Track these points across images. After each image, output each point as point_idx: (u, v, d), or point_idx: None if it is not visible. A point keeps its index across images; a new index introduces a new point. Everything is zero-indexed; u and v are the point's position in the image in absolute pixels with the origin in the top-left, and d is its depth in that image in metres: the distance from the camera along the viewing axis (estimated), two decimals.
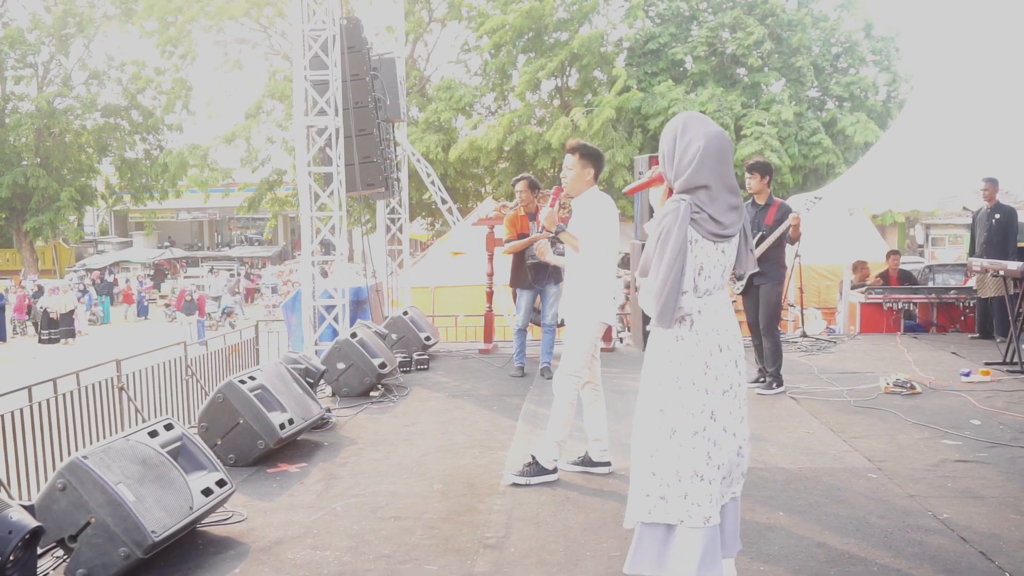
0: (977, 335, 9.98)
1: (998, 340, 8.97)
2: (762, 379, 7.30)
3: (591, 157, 4.87)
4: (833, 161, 22.30)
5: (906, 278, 11.97)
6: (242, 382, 5.41)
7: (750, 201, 7.28)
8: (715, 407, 3.08)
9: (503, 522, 4.21)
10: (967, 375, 7.48)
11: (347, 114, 9.36)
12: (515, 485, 4.75)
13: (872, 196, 12.10)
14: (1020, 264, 7.94)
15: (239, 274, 38.50)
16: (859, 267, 12.29)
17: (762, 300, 7.17)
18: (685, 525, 3.04)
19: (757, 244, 7.06)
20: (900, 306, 10.84)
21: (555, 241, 7.54)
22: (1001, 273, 8.12)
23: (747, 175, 7.31)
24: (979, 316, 10.11)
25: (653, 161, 9.60)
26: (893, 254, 12.43)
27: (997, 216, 9.30)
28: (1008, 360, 8.04)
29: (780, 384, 7.18)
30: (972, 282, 10.20)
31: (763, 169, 7.31)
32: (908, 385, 6.99)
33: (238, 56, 28.51)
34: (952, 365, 8.16)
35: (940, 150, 10.39)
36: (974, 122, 10.32)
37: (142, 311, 32.03)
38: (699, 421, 3.06)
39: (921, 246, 31.54)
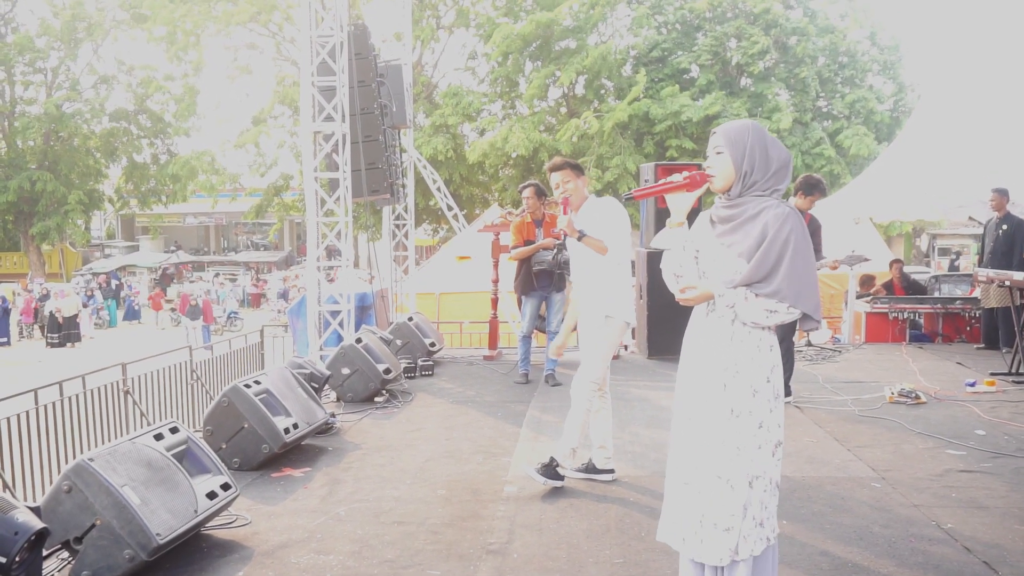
0: (983, 345, 9.95)
1: (1003, 351, 8.95)
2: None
3: (578, 168, 5.02)
4: (838, 171, 22.33)
5: (913, 287, 11.95)
6: (247, 386, 5.43)
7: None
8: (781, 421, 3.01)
9: (506, 528, 4.22)
10: (972, 385, 7.46)
11: (354, 120, 9.39)
12: (529, 477, 4.79)
13: (878, 206, 12.11)
14: None
15: (244, 279, 38.60)
16: (866, 281, 12.27)
17: None
18: (772, 543, 2.96)
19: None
20: (906, 316, 10.83)
21: (561, 248, 7.58)
22: (1007, 283, 8.11)
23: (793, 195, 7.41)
24: (984, 326, 10.09)
25: (660, 170, 9.60)
26: (896, 263, 12.41)
27: (1004, 227, 9.29)
28: (1013, 371, 8.02)
29: (787, 394, 7.17)
30: (978, 292, 10.18)
31: (816, 187, 7.34)
32: (913, 395, 6.98)
33: (247, 62, 28.66)
34: (957, 375, 8.14)
35: (947, 160, 10.41)
36: (981, 132, 10.32)
37: (132, 315, 31.98)
38: (777, 441, 2.95)
39: (927, 256, 31.50)
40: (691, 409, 2.99)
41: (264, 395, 5.47)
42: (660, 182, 3.18)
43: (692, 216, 3.05)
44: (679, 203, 3.06)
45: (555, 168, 4.98)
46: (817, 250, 7.22)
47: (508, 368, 8.93)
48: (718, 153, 2.96)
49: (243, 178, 30.08)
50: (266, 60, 29.40)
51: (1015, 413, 6.56)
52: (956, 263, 29.58)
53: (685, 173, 3.08)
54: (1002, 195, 9.34)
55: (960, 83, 12.02)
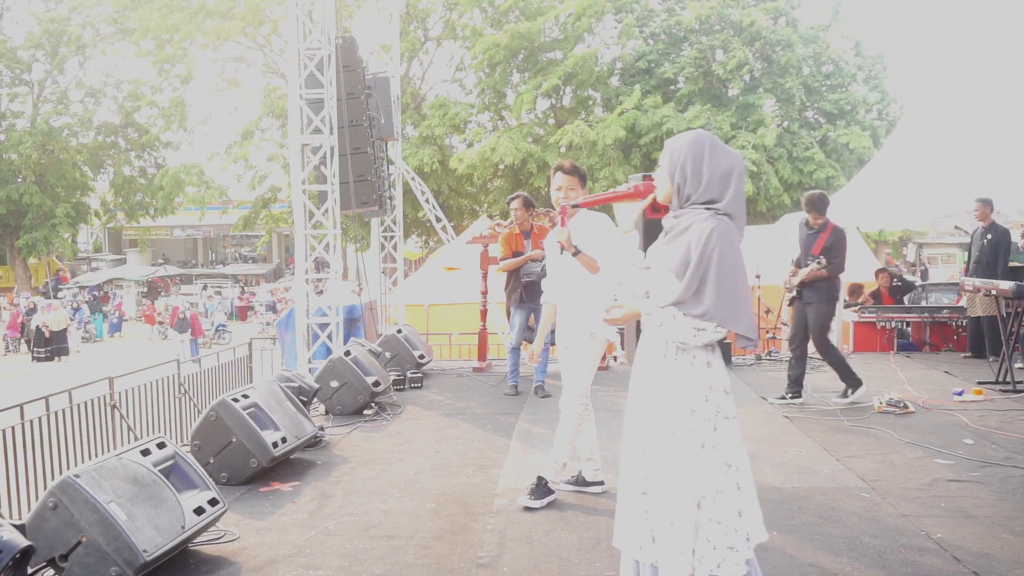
0: (969, 354, 10.00)
1: (990, 359, 9.00)
2: (789, 393, 7.53)
3: (584, 179, 4.91)
4: (832, 174, 22.45)
5: (902, 289, 12.03)
6: (235, 400, 5.40)
7: (804, 222, 7.53)
8: (736, 439, 2.94)
9: (496, 541, 4.20)
10: (960, 394, 7.50)
11: (342, 132, 9.39)
12: (528, 509, 4.67)
13: (865, 215, 12.15)
14: (1012, 284, 7.98)
15: (223, 293, 38.47)
16: (856, 290, 12.32)
17: (811, 319, 7.43)
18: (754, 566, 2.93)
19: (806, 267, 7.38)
20: (893, 325, 10.87)
21: (533, 259, 7.63)
22: (993, 292, 8.16)
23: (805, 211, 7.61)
24: (971, 335, 10.14)
25: (648, 180, 9.62)
26: (882, 272, 12.47)
27: (989, 236, 9.36)
28: (1000, 379, 8.06)
29: (856, 387, 7.38)
30: (964, 301, 10.24)
31: (819, 207, 7.48)
32: (901, 404, 7.00)
33: (235, 74, 28.65)
34: (945, 384, 8.17)
35: (932, 170, 10.45)
36: (966, 142, 10.38)
37: (113, 328, 31.80)
38: (741, 455, 2.90)
39: (914, 264, 31.65)
40: (637, 427, 2.98)
41: (252, 409, 5.45)
42: (608, 192, 3.22)
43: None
44: (625, 213, 3.10)
45: (563, 170, 4.81)
46: (839, 260, 7.33)
47: (498, 380, 8.92)
48: (660, 165, 3.02)
49: (231, 191, 30.01)
50: (254, 73, 29.41)
51: (1003, 422, 6.59)
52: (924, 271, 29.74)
53: (632, 183, 3.14)
54: (986, 205, 9.42)
55: (946, 93, 12.10)
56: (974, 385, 7.86)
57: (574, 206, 3.54)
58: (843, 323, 11.48)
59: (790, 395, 7.51)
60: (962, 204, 9.89)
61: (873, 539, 4.13)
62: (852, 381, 7.38)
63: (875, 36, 25.67)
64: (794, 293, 7.58)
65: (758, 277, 12.05)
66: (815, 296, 7.37)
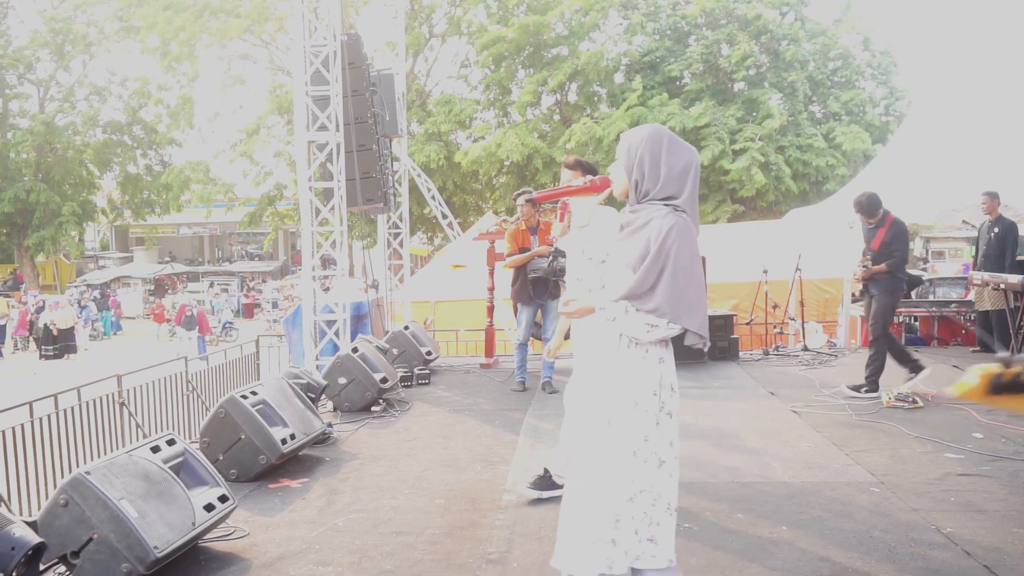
0: (978, 348, 9.96)
1: (999, 354, 8.96)
2: (867, 387, 7.50)
3: (586, 169, 4.88)
4: (832, 162, 22.41)
5: (913, 281, 12.00)
6: (244, 397, 5.41)
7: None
8: (675, 436, 2.94)
9: (505, 537, 4.20)
10: (862, 385, 7.49)
11: (347, 129, 9.40)
12: (537, 500, 4.71)
13: None
14: (1021, 277, 7.96)
15: (237, 289, 38.54)
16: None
17: (873, 309, 7.48)
18: (676, 565, 2.92)
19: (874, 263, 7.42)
20: (901, 320, 10.84)
21: (556, 256, 7.56)
22: (1002, 286, 8.13)
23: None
24: (979, 329, 10.10)
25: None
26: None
27: (996, 230, 9.32)
28: None
29: (872, 389, 7.35)
30: (972, 295, 10.20)
31: (870, 210, 7.46)
32: (910, 399, 6.98)
33: (240, 72, 28.66)
34: (953, 379, 8.12)
35: (940, 164, 10.42)
36: (974, 136, 10.35)
37: (114, 326, 31.81)
38: (670, 451, 2.90)
39: (921, 259, 31.54)
40: (579, 417, 3.01)
41: (261, 406, 5.45)
42: (563, 185, 3.21)
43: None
44: (581, 207, 3.12)
45: (567, 165, 4.80)
46: (900, 254, 7.32)
47: (505, 376, 8.92)
48: (616, 159, 3.01)
49: (237, 188, 30.06)
50: (259, 70, 29.43)
51: (1012, 416, 6.55)
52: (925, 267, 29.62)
53: (588, 177, 3.14)
54: (993, 198, 9.38)
55: (953, 87, 12.06)
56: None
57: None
58: (851, 318, 11.47)
59: (864, 389, 7.52)
60: (969, 198, 9.86)
61: (883, 533, 4.12)
62: (913, 365, 7.45)
63: (884, 30, 25.56)
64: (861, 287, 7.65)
65: (765, 272, 12.04)
66: (877, 289, 7.43)
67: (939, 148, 10.70)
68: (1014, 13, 11.44)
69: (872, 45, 25.19)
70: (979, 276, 8.82)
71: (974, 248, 9.97)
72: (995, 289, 8.47)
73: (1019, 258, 9.59)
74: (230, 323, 29.26)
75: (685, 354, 9.40)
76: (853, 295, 11.95)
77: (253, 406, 5.37)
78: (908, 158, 11.37)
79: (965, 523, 4.22)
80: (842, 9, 24.88)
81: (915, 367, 7.43)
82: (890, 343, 7.55)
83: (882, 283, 7.40)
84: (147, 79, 33.84)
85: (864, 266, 7.47)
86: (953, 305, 11.01)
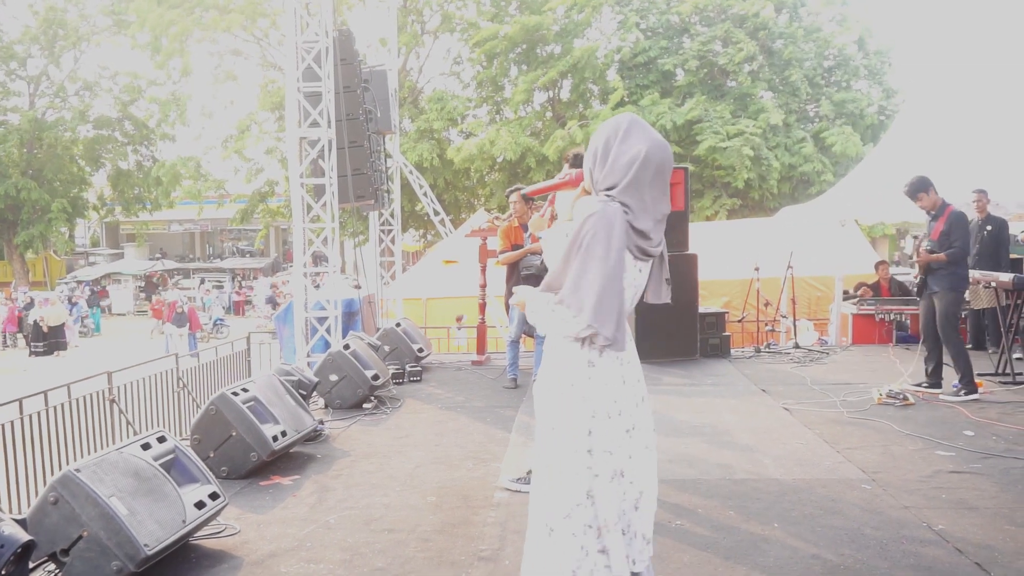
0: (970, 346, 9.98)
1: (990, 351, 8.99)
2: (928, 383, 7.44)
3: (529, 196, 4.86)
4: (820, 168, 22.45)
5: (899, 289, 12.01)
6: (235, 394, 5.39)
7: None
8: (618, 447, 2.74)
9: (497, 534, 4.20)
10: (958, 386, 7.48)
11: (339, 126, 9.37)
12: (514, 491, 4.72)
13: (863, 208, 12.15)
14: (1012, 276, 7.97)
15: (230, 286, 38.45)
16: (859, 287, 12.31)
17: (938, 308, 7.25)
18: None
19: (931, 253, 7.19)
20: (892, 317, 10.87)
21: (533, 252, 7.57)
22: (993, 284, 8.15)
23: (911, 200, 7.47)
24: (972, 327, 10.12)
25: None
26: (881, 264, 12.47)
27: (988, 228, 9.34)
28: (1000, 371, 8.06)
29: (970, 391, 7.15)
30: (966, 293, 10.21)
31: (911, 191, 7.34)
32: (901, 396, 7.00)
33: (232, 67, 28.56)
34: (945, 376, 8.16)
35: (930, 162, 10.44)
36: (964, 134, 10.37)
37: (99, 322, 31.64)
38: (610, 463, 2.73)
39: (911, 257, 31.64)
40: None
41: (252, 403, 5.44)
42: (549, 181, 3.22)
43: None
44: (562, 200, 3.07)
45: (566, 160, 4.80)
46: (960, 244, 7.10)
47: (497, 373, 8.92)
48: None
49: (229, 184, 29.96)
50: (251, 66, 29.32)
51: (1003, 413, 6.59)
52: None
53: (569, 170, 3.13)
54: (985, 196, 9.40)
55: (943, 86, 12.09)
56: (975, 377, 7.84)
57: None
58: (842, 315, 11.49)
59: (927, 384, 7.47)
60: (960, 196, 9.87)
61: (875, 531, 4.13)
62: (968, 383, 7.17)
63: (879, 30, 25.52)
64: (918, 281, 7.46)
65: (757, 270, 12.07)
66: (939, 284, 7.20)
67: (930, 146, 10.72)
68: (1003, 12, 11.48)
69: (866, 45, 25.22)
70: (972, 274, 8.83)
71: None
72: (987, 287, 8.49)
73: (1013, 256, 9.62)
74: (221, 320, 29.18)
75: (677, 351, 9.44)
76: (846, 292, 11.98)
77: (244, 403, 5.35)
78: (900, 156, 11.39)
79: (956, 520, 4.23)
80: (838, 8, 24.89)
81: (968, 386, 7.14)
82: (955, 346, 7.21)
83: (943, 278, 7.17)
84: (138, 74, 33.69)
85: (918, 253, 7.26)
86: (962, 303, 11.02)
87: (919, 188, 7.29)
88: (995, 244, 9.28)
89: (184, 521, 3.90)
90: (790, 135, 23.08)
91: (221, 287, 38.71)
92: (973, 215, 9.63)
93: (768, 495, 4.71)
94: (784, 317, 12.24)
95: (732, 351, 10.14)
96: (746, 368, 9.14)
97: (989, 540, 3.97)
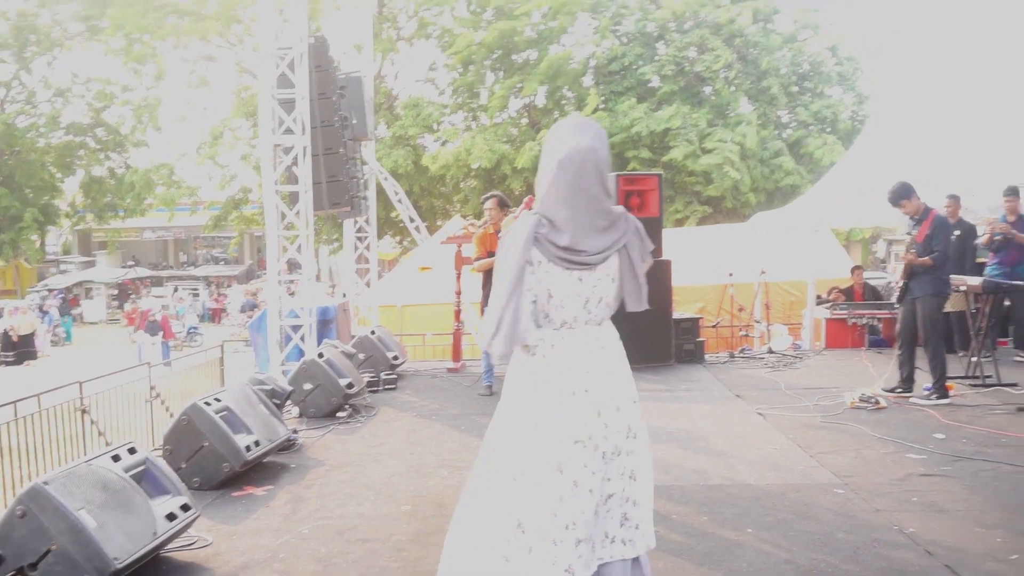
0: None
1: (960, 355, 9.09)
2: (902, 388, 7.49)
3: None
4: (798, 182, 22.56)
5: (871, 293, 12.12)
6: (207, 404, 5.35)
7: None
8: (562, 458, 2.76)
9: None
10: (930, 390, 7.56)
11: (314, 133, 9.33)
12: None
13: (837, 214, 12.27)
14: (982, 279, 8.08)
15: (205, 294, 38.16)
16: (832, 292, 12.42)
17: (921, 313, 7.31)
18: None
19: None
20: (864, 321, 10.96)
21: None
22: (963, 288, 8.24)
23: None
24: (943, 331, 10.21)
25: (620, 180, 9.67)
26: (857, 269, 12.59)
27: (957, 232, 9.46)
28: (970, 374, 8.15)
29: (941, 395, 7.23)
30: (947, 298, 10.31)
31: (893, 198, 7.42)
32: (873, 400, 7.06)
33: (205, 73, 28.39)
34: (917, 380, 8.23)
35: (901, 167, 10.56)
36: (935, 139, 10.50)
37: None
38: (544, 471, 2.75)
39: (884, 261, 31.94)
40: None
41: (224, 412, 5.39)
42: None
43: None
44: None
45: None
46: (942, 250, 7.20)
47: (472, 380, 8.90)
48: None
49: (202, 191, 29.74)
50: (225, 72, 29.17)
51: (973, 416, 6.67)
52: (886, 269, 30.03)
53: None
54: (956, 201, 9.52)
55: (914, 91, 12.24)
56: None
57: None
58: (815, 320, 11.59)
59: (899, 388, 7.54)
60: (931, 201, 9.98)
61: (847, 534, 4.16)
62: (941, 388, 7.26)
63: (850, 36, 25.65)
64: (901, 284, 7.51)
65: (731, 275, 12.14)
66: (921, 289, 7.27)
67: (901, 151, 10.84)
68: (972, 15, 11.65)
69: (839, 52, 25.42)
70: None
71: None
72: (956, 291, 8.58)
73: (978, 260, 9.74)
74: (195, 328, 28.94)
75: (651, 357, 9.46)
76: (819, 297, 12.08)
77: (216, 413, 5.31)
78: (871, 161, 11.51)
79: (927, 523, 4.27)
80: (810, 17, 25.06)
81: (939, 390, 7.25)
82: (936, 350, 7.28)
83: (926, 283, 7.25)
84: (110, 80, 33.36)
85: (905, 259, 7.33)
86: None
87: (902, 195, 7.39)
88: (962, 248, 9.41)
89: (155, 533, 3.86)
90: (767, 147, 23.16)
91: (197, 295, 38.37)
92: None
93: (742, 500, 4.73)
94: (758, 322, 12.32)
95: (707, 356, 10.19)
96: (720, 373, 9.19)
97: (959, 542, 4.01)
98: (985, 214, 9.27)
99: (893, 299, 7.88)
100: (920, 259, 7.20)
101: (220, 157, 26.86)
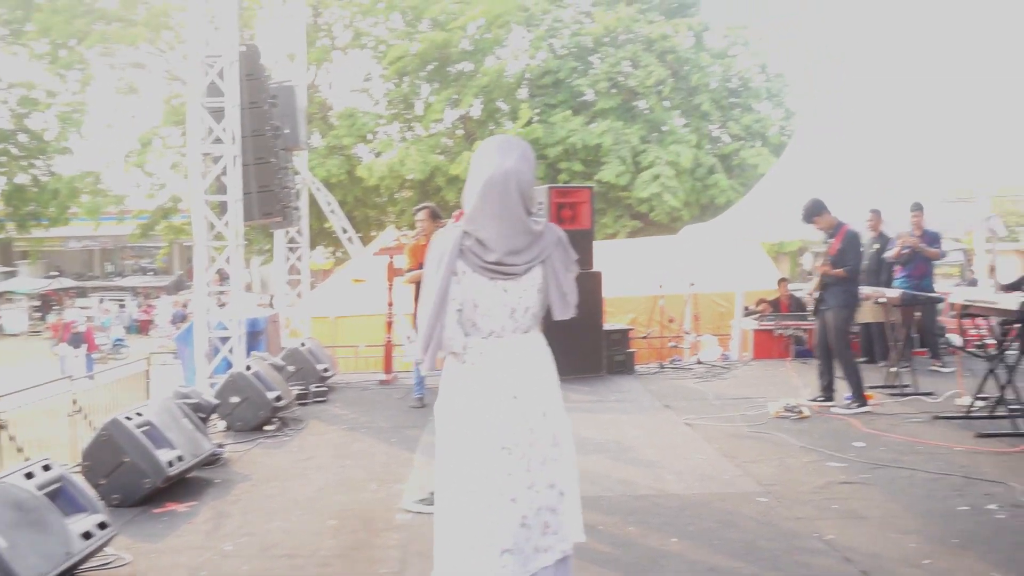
0: (864, 359, 10.34)
1: (880, 365, 9.35)
2: (822, 397, 7.62)
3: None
4: (733, 198, 22.97)
5: (797, 305, 12.40)
6: (128, 419, 5.21)
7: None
8: (489, 465, 2.84)
9: (398, 557, 4.16)
10: (850, 399, 7.76)
11: (245, 142, 9.19)
12: (416, 512, 4.69)
13: (765, 227, 12.52)
14: (900, 291, 8.34)
15: (133, 305, 37.27)
16: (760, 303, 12.66)
17: (830, 324, 7.48)
18: None
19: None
20: (790, 332, 11.21)
21: None
22: (883, 300, 8.49)
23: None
24: (863, 341, 10.50)
25: (553, 192, 9.74)
26: (783, 281, 12.88)
27: (876, 246, 9.77)
28: (889, 384, 8.39)
29: (861, 404, 7.38)
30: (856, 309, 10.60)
31: (806, 215, 7.60)
32: (797, 409, 7.22)
33: (134, 80, 27.77)
34: (838, 389, 8.44)
35: (826, 182, 10.84)
36: (859, 154, 10.82)
37: None
38: (468, 478, 2.85)
39: (811, 273, 32.69)
40: None
41: (146, 427, 5.26)
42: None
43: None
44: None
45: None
46: (854, 264, 7.45)
47: (403, 393, 8.85)
48: None
49: (130, 200, 29.03)
50: (155, 79, 28.56)
51: (891, 424, 6.86)
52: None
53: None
54: (877, 215, 9.83)
55: (838, 105, 12.60)
56: (865, 389, 8.13)
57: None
58: (743, 331, 11.81)
59: (821, 398, 7.70)
60: (855, 214, 10.26)
61: (769, 542, 4.24)
62: (859, 397, 7.43)
63: (778, 54, 26.33)
64: (816, 296, 7.68)
65: (661, 287, 12.30)
66: (832, 300, 7.47)
67: (826, 167, 11.13)
68: (893, 30, 12.05)
69: (768, 69, 26.01)
70: (862, 290, 9.18)
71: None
72: (876, 303, 8.84)
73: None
74: (120, 340, 28.23)
75: (582, 368, 9.51)
76: (746, 308, 12.31)
77: (138, 427, 5.18)
78: (797, 177, 11.78)
79: (845, 530, 4.38)
80: (740, 34, 25.59)
81: (858, 399, 7.42)
82: (846, 361, 7.51)
83: (837, 294, 7.45)
84: (33, 84, 32.41)
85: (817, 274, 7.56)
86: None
87: (814, 212, 7.61)
88: (879, 262, 9.71)
89: (69, 553, 3.75)
90: (700, 163, 23.49)
91: (123, 306, 37.44)
92: (867, 233, 10.05)
93: (668, 510, 4.79)
94: (688, 333, 12.51)
95: (637, 367, 10.30)
96: (651, 384, 9.30)
97: (876, 548, 4.12)
98: (903, 228, 9.58)
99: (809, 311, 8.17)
100: (834, 270, 7.40)
101: (149, 165, 26.28)
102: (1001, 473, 5.33)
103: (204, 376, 8.54)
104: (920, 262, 9.36)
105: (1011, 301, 6.39)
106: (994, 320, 7.00)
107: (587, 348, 9.57)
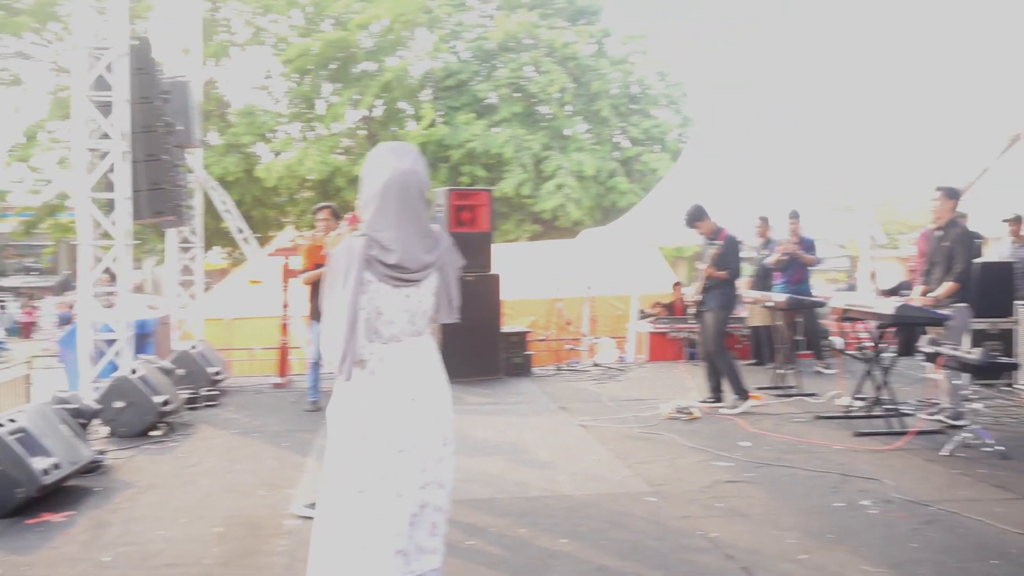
0: (754, 361, 10.68)
1: (768, 366, 9.66)
2: (712, 398, 7.78)
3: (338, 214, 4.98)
4: (634, 201, 23.40)
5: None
6: (0, 425, 4.97)
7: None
8: (387, 468, 2.86)
9: (285, 563, 4.08)
10: (736, 398, 7.99)
11: (135, 138, 8.88)
12: (305, 517, 4.61)
13: (662, 232, 12.80)
14: (787, 296, 8.65)
15: (15, 306, 35.57)
16: (655, 306, 12.93)
17: (708, 324, 7.67)
18: None
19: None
20: (684, 335, 11.48)
21: None
22: (770, 304, 8.78)
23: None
24: (752, 344, 10.85)
25: (452, 195, 9.73)
26: (676, 285, 13.19)
27: (765, 251, 10.11)
28: (776, 385, 8.68)
29: (743, 399, 7.58)
30: (746, 312, 10.95)
31: (688, 220, 7.81)
32: (687, 411, 7.39)
33: (18, 72, 26.52)
34: (727, 390, 8.68)
35: (719, 188, 11.16)
36: (748, 162, 11.18)
37: None
38: (371, 480, 2.85)
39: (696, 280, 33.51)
40: None
41: (20, 434, 5.02)
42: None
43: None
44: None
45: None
46: (734, 267, 7.71)
47: (298, 396, 8.70)
48: None
49: (12, 196, 27.69)
50: (41, 71, 27.33)
51: (776, 424, 7.10)
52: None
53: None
54: (765, 222, 10.17)
55: (731, 113, 12.97)
56: (753, 390, 8.39)
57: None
58: (638, 334, 12.03)
59: (710, 399, 7.87)
60: (746, 220, 10.59)
61: (656, 541, 4.32)
62: (740, 391, 7.64)
63: (677, 62, 27.04)
64: (698, 298, 7.83)
65: (558, 290, 12.44)
66: (713, 302, 7.67)
67: (719, 172, 11.45)
68: (786, 39, 12.47)
69: (667, 77, 26.60)
70: (751, 294, 9.50)
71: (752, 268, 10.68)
72: (764, 307, 9.13)
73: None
74: (1, 343, 26.92)
75: (480, 370, 9.54)
76: (642, 311, 12.55)
77: (11, 434, 4.93)
78: (693, 182, 12.08)
79: (728, 527, 4.50)
80: (640, 42, 26.10)
81: (741, 395, 7.65)
82: (724, 361, 7.73)
83: (716, 296, 7.66)
84: None
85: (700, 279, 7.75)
86: (729, 321, 11.76)
87: (695, 217, 7.85)
88: (766, 267, 10.05)
89: None
90: (601, 168, 23.82)
91: (4, 307, 35.71)
92: (756, 240, 10.38)
93: (559, 511, 4.84)
94: (585, 335, 12.68)
95: (535, 369, 10.38)
96: (547, 386, 9.38)
97: (756, 545, 4.25)
98: (787, 236, 9.92)
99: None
100: (718, 272, 7.64)
101: (34, 160, 25.14)
102: (875, 470, 5.58)
103: (88, 380, 8.21)
104: (798, 268, 9.74)
105: (887, 305, 6.69)
106: (872, 323, 7.32)
107: (485, 350, 9.60)
